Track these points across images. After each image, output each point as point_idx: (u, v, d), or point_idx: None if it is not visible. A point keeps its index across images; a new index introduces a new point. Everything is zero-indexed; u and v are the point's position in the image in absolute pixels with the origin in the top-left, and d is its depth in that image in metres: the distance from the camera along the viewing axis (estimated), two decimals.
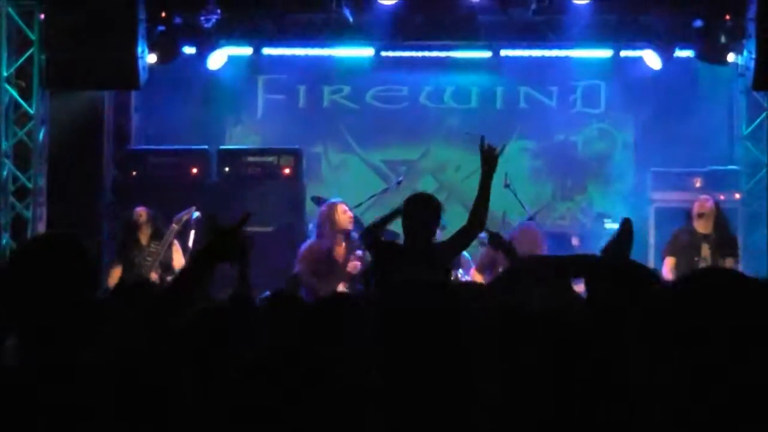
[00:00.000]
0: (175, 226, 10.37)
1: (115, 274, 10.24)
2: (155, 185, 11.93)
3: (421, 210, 7.58)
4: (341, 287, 9.54)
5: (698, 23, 12.23)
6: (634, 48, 12.90)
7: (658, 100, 13.39)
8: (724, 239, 10.09)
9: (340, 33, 12.72)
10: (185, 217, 10.42)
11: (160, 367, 3.42)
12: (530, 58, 13.36)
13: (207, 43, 12.54)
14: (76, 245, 3.42)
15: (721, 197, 11.29)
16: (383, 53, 13.36)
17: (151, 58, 11.70)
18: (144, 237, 10.46)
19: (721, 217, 10.25)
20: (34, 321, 3.29)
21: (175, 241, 10.46)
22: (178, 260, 10.46)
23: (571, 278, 5.27)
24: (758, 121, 12.56)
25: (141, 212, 10.52)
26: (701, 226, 10.21)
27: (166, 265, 10.40)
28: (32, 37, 11.13)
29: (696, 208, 10.33)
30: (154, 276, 10.23)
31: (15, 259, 3.59)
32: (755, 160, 12.63)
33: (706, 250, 9.95)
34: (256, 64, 13.58)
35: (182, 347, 3.62)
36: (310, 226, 10.58)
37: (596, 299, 3.96)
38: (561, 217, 13.52)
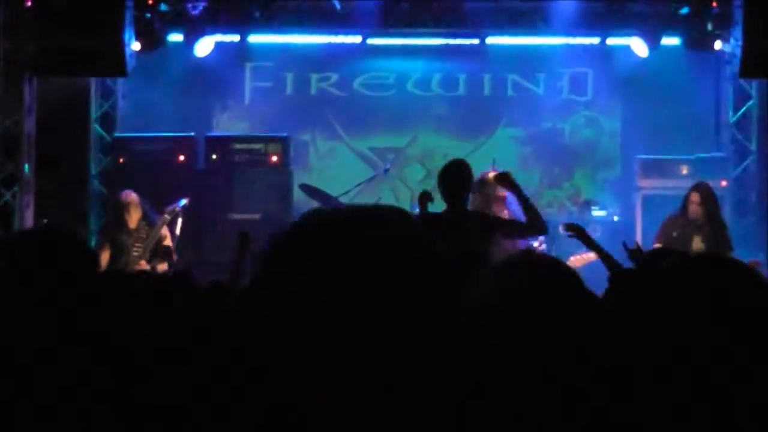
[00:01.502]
0: (166, 216, 10.36)
1: (104, 257, 10.22)
2: (142, 172, 11.91)
3: (453, 177, 8.08)
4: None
5: (685, 11, 12.26)
6: (621, 35, 12.92)
7: (645, 88, 13.40)
8: (716, 230, 9.94)
9: (327, 20, 12.71)
10: (177, 209, 10.41)
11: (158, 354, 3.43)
12: (517, 45, 13.38)
13: (194, 30, 12.53)
14: (72, 244, 3.42)
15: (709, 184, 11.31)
16: (370, 41, 13.36)
17: (136, 46, 11.66)
18: (132, 220, 10.42)
19: (714, 207, 10.08)
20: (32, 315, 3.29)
21: (166, 229, 10.46)
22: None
23: None
24: (744, 108, 12.60)
25: (129, 194, 10.51)
26: (693, 215, 9.99)
27: (155, 253, 10.40)
28: None
29: (691, 213, 9.98)
30: (144, 264, 10.23)
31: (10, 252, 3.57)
32: (742, 148, 12.67)
33: (698, 242, 9.84)
34: (243, 52, 13.56)
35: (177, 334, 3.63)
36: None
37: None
38: (548, 204, 13.51)
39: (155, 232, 10.33)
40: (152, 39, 12.23)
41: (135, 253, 10.31)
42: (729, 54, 11.65)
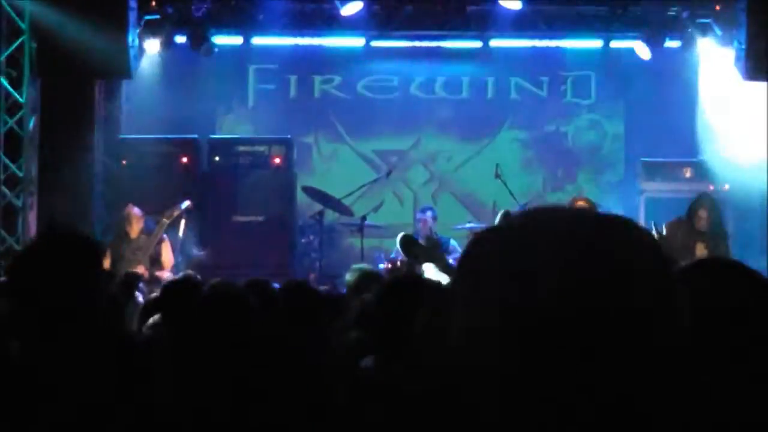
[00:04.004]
0: (165, 221, 10.39)
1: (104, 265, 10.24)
2: (146, 174, 11.91)
3: None
4: None
5: (686, 14, 12.27)
6: (625, 38, 12.93)
7: (648, 91, 13.39)
8: (719, 236, 9.95)
9: (330, 23, 12.72)
10: (176, 213, 10.44)
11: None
12: (521, 48, 13.38)
13: (198, 32, 12.53)
14: (88, 246, 3.43)
15: (711, 187, 11.32)
16: (374, 43, 13.37)
17: (153, 46, 11.79)
18: (133, 231, 10.50)
19: (718, 217, 10.10)
20: (39, 319, 3.30)
21: (165, 236, 10.50)
22: (167, 255, 10.50)
23: None
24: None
25: (132, 207, 10.60)
26: (700, 227, 10.00)
27: (154, 260, 10.45)
28: (23, 26, 11.09)
29: (699, 226, 10.02)
30: (142, 270, 10.25)
31: (25, 257, 3.58)
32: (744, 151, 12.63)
33: (701, 248, 9.84)
34: (246, 54, 13.57)
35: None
36: None
37: None
38: None
39: (154, 236, 10.39)
40: (164, 41, 12.33)
41: (135, 258, 10.35)
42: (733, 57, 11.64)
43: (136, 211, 10.60)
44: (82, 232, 3.49)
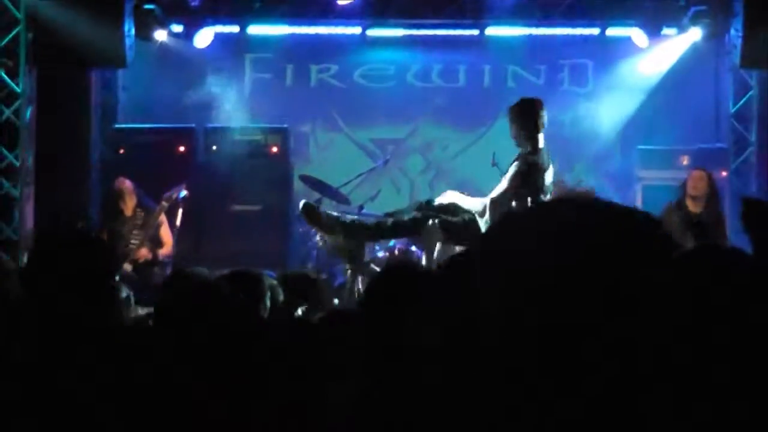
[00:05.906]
0: (164, 204, 10.39)
1: None
2: (142, 163, 11.91)
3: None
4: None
5: (683, 2, 12.26)
6: (622, 26, 12.91)
7: (645, 79, 13.38)
8: (716, 219, 9.99)
9: (327, 11, 12.71)
10: (174, 195, 10.44)
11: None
12: (518, 36, 13.36)
13: (194, 21, 12.53)
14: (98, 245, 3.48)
15: None
16: (370, 32, 13.35)
17: (161, 35, 11.89)
18: (127, 208, 10.47)
19: (714, 195, 10.16)
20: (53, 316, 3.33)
21: (163, 217, 10.51)
22: (166, 232, 10.52)
23: None
24: (745, 99, 12.58)
25: (123, 181, 10.56)
26: (693, 206, 10.11)
27: (155, 239, 10.46)
28: (18, 15, 11.07)
29: (690, 189, 10.17)
30: (144, 252, 10.27)
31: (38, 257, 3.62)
32: (742, 139, 12.65)
33: (697, 230, 9.86)
34: (243, 43, 13.55)
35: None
36: None
37: None
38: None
39: (154, 220, 10.37)
40: (160, 30, 12.38)
41: (134, 241, 10.34)
42: (729, 44, 11.64)
43: (128, 185, 10.55)
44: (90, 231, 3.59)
